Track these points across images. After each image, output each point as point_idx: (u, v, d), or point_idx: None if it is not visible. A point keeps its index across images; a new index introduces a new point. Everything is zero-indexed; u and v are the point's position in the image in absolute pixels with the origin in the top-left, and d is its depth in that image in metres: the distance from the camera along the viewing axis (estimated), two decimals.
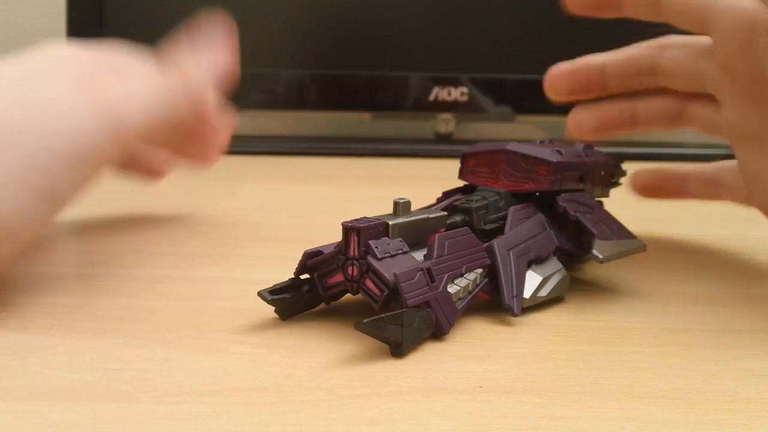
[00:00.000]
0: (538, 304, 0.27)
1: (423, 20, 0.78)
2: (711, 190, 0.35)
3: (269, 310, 0.26)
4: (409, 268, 0.23)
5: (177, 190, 0.55)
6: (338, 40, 0.80)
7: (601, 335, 0.25)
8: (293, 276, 0.26)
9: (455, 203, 0.29)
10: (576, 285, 0.30)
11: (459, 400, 0.20)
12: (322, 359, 0.22)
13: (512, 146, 0.30)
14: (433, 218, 0.26)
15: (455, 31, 0.78)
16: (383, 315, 0.22)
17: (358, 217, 0.25)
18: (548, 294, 0.27)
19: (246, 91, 0.79)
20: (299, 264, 0.25)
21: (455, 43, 0.78)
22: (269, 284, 0.25)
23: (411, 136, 0.85)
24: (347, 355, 0.23)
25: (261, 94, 0.80)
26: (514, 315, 0.26)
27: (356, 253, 0.24)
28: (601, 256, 0.28)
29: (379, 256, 0.23)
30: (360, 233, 0.24)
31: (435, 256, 0.25)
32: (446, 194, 0.32)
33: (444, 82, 0.77)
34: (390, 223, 0.25)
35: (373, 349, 0.23)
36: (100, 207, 0.47)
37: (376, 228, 0.24)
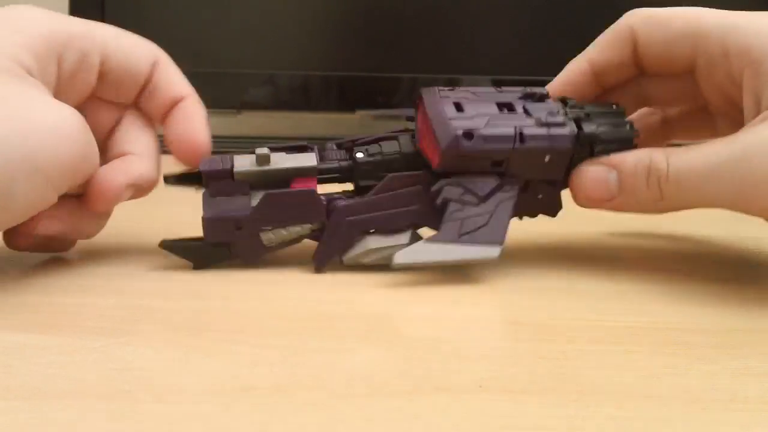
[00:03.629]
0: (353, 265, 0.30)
1: (423, 21, 0.79)
2: (695, 135, 0.35)
3: (270, 310, 0.26)
4: (219, 214, 0.29)
5: (177, 189, 0.55)
6: (339, 41, 0.80)
7: (599, 335, 0.25)
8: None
9: (356, 148, 0.31)
10: (575, 284, 0.30)
11: (459, 399, 0.20)
12: (322, 359, 0.22)
13: (434, 105, 0.29)
14: (294, 168, 0.30)
15: (455, 32, 0.78)
16: (187, 241, 0.30)
17: (223, 156, 0.30)
18: (372, 261, 0.30)
19: (247, 91, 0.79)
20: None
21: (455, 44, 0.78)
22: (268, 284, 0.26)
23: None
24: (348, 355, 0.23)
25: (262, 95, 0.80)
26: (317, 271, 0.30)
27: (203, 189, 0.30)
28: (395, 261, 0.28)
29: (212, 194, 0.29)
30: (205, 174, 0.30)
31: (253, 210, 0.29)
32: (403, 129, 0.32)
33: (444, 83, 0.77)
34: (236, 170, 0.29)
35: (373, 349, 0.23)
36: None
37: (220, 172, 0.30)
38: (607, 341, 0.24)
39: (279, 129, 0.89)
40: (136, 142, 0.33)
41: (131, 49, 0.32)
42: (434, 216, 0.29)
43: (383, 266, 0.30)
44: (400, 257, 0.27)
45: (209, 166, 0.30)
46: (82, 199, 0.31)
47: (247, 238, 0.29)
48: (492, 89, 0.31)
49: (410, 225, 0.29)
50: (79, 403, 0.19)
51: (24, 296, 0.28)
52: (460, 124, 0.28)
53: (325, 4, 0.80)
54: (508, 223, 0.29)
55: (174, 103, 0.33)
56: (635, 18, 0.32)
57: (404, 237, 0.29)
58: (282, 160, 0.30)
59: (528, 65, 0.78)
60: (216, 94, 0.79)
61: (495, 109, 0.29)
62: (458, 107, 0.29)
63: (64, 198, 0.30)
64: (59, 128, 0.27)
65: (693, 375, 0.22)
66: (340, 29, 0.80)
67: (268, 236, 0.30)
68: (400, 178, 0.29)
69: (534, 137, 0.28)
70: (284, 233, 0.30)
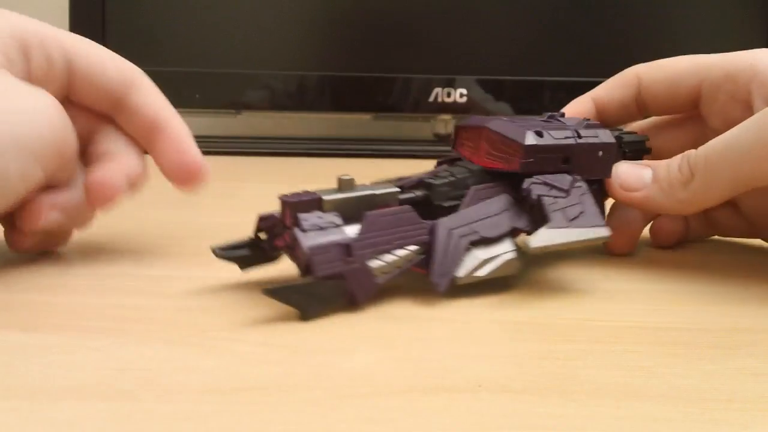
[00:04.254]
0: (475, 283, 0.28)
1: (423, 22, 0.79)
2: (709, 230, 0.37)
3: (270, 309, 0.26)
4: (325, 241, 0.25)
5: (169, 191, 0.55)
6: (339, 42, 0.80)
7: (599, 334, 0.25)
8: (253, 235, 0.29)
9: (422, 178, 0.30)
10: (573, 284, 0.30)
11: (458, 398, 0.20)
12: (322, 358, 0.22)
13: (494, 124, 0.30)
14: (380, 194, 0.28)
15: (455, 32, 0.78)
16: (289, 284, 0.25)
17: (300, 191, 0.27)
18: (489, 274, 0.28)
19: (247, 92, 0.79)
20: (255, 225, 0.28)
21: (455, 44, 0.78)
22: (268, 284, 0.25)
23: (411, 137, 0.85)
24: (348, 354, 0.23)
25: (262, 95, 0.80)
26: (440, 292, 0.27)
27: (288, 223, 0.26)
28: (531, 245, 0.28)
29: (305, 228, 0.25)
30: (291, 206, 0.26)
31: (360, 233, 0.26)
32: (439, 163, 0.33)
33: (444, 84, 0.77)
34: (324, 198, 0.27)
35: (373, 348, 0.23)
36: None
37: (309, 203, 0.26)
38: (607, 341, 0.25)
39: (278, 129, 0.90)
40: (119, 142, 0.33)
41: (100, 63, 0.33)
42: (528, 216, 0.29)
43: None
44: (535, 242, 0.28)
45: (293, 198, 0.27)
46: (66, 189, 0.31)
47: (359, 267, 0.26)
48: (518, 117, 0.33)
49: (509, 230, 0.29)
50: (79, 403, 0.19)
51: (24, 296, 0.28)
52: (528, 127, 0.30)
53: (325, 5, 0.80)
54: (598, 209, 0.30)
55: (154, 127, 0.33)
56: (639, 66, 0.36)
57: (508, 243, 0.29)
58: (363, 189, 0.28)
59: (528, 65, 0.78)
60: (216, 95, 0.79)
61: (543, 123, 0.32)
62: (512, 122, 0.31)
63: (57, 189, 0.31)
64: (39, 109, 0.29)
65: (693, 375, 0.22)
66: (340, 30, 0.80)
67: (378, 264, 0.26)
68: (483, 189, 0.29)
69: (587, 135, 0.31)
70: (393, 259, 0.27)
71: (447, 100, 0.77)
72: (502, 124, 0.30)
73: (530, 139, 0.29)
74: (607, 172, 0.32)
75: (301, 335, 0.24)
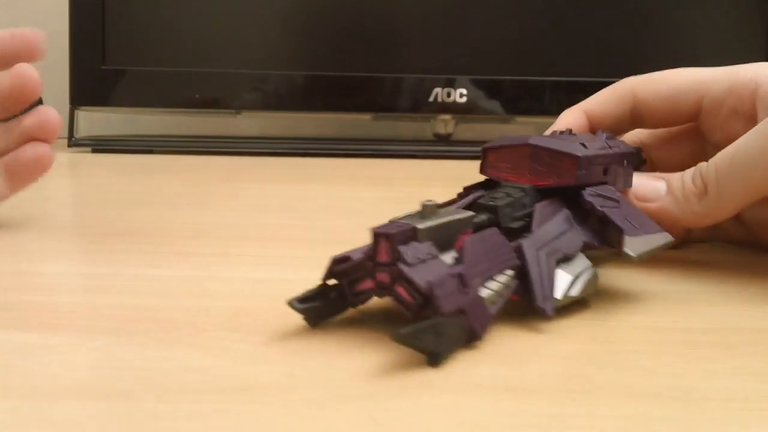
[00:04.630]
0: (568, 304, 0.26)
1: (422, 22, 0.79)
2: (712, 234, 0.37)
3: (270, 309, 0.26)
4: (442, 274, 0.22)
5: (178, 190, 0.55)
6: (339, 42, 0.80)
7: (598, 334, 0.25)
8: (321, 282, 0.25)
9: (480, 201, 0.28)
10: None
11: (458, 398, 0.20)
12: (323, 358, 0.22)
13: (535, 140, 0.30)
14: (460, 219, 0.26)
15: (455, 32, 0.78)
16: (420, 325, 0.21)
17: (386, 222, 0.24)
18: (580, 293, 0.26)
19: (247, 92, 0.79)
20: (327, 270, 0.25)
21: (455, 44, 0.78)
22: (269, 284, 0.25)
23: (410, 137, 0.85)
24: (348, 354, 0.23)
25: (262, 95, 0.80)
26: (547, 317, 0.25)
27: (386, 259, 0.23)
28: (634, 255, 0.27)
29: (410, 262, 0.22)
30: (390, 239, 0.23)
31: (465, 261, 0.24)
32: (467, 189, 0.32)
33: (443, 84, 0.77)
34: (418, 227, 0.24)
35: (373, 348, 0.23)
36: (101, 207, 0.47)
37: (405, 233, 0.23)
38: (606, 341, 0.25)
39: (278, 129, 0.90)
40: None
41: None
42: (589, 229, 0.29)
43: None
44: (636, 251, 0.27)
45: (390, 229, 0.23)
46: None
47: (475, 298, 0.23)
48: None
49: (582, 245, 0.28)
50: (79, 403, 0.19)
51: (24, 296, 0.28)
52: (567, 140, 0.30)
53: (325, 5, 0.80)
54: (645, 215, 0.30)
55: None
56: (633, 79, 0.36)
57: (584, 259, 0.28)
58: (443, 214, 0.26)
59: (528, 65, 0.78)
60: (216, 95, 0.79)
61: (570, 137, 0.31)
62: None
63: None
64: None
65: (693, 375, 0.22)
66: (340, 30, 0.80)
67: (486, 293, 0.24)
68: (545, 206, 0.28)
69: (612, 146, 0.31)
70: (497, 286, 0.24)
71: (447, 100, 0.77)
72: (545, 139, 0.30)
73: (582, 150, 0.29)
74: (630, 181, 0.32)
75: (301, 335, 0.24)
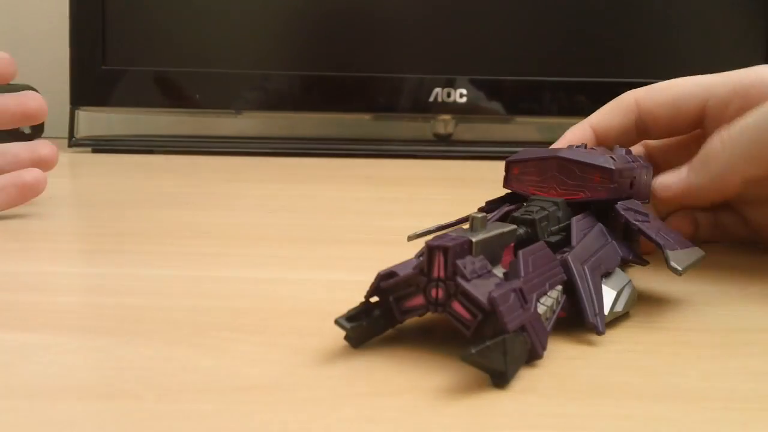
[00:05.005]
0: (613, 319, 0.26)
1: (423, 22, 0.79)
2: (717, 235, 0.37)
3: (269, 310, 0.26)
4: (503, 289, 0.21)
5: (179, 190, 0.55)
6: (339, 42, 0.80)
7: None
8: (365, 299, 0.23)
9: (515, 215, 0.27)
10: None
11: (459, 398, 0.20)
12: (322, 358, 0.22)
13: (564, 153, 0.29)
14: (507, 233, 0.25)
15: (455, 32, 0.78)
16: (488, 343, 0.20)
17: (438, 234, 0.23)
18: (624, 308, 0.26)
19: (247, 92, 0.79)
20: (371, 286, 0.23)
21: (455, 44, 0.78)
22: (269, 284, 0.25)
23: (410, 137, 0.85)
24: (348, 354, 0.23)
25: (262, 95, 0.80)
26: (599, 334, 0.24)
27: (442, 274, 0.22)
28: (680, 268, 0.26)
29: (468, 277, 0.21)
30: (446, 252, 0.22)
31: (522, 275, 0.23)
32: (490, 203, 0.31)
33: (443, 84, 0.77)
34: (473, 240, 0.23)
35: (373, 348, 0.23)
36: (101, 207, 0.47)
37: (461, 246, 0.22)
38: (606, 341, 0.25)
39: (278, 129, 0.90)
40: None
41: None
42: (625, 245, 0.28)
43: None
44: (680, 264, 0.27)
45: (446, 242, 0.22)
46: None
47: (535, 314, 0.22)
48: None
49: (619, 260, 0.27)
50: (79, 403, 0.19)
51: (24, 296, 0.28)
52: (595, 154, 0.30)
53: (325, 5, 0.80)
54: (671, 229, 0.30)
55: None
56: (636, 91, 0.36)
57: (623, 274, 0.27)
58: (491, 228, 0.25)
59: (528, 65, 0.78)
60: (216, 95, 0.79)
61: (595, 150, 0.31)
62: None
63: None
64: None
65: (693, 375, 0.22)
66: (340, 30, 0.80)
67: (543, 309, 0.23)
68: (582, 219, 0.28)
69: (633, 160, 0.31)
70: (550, 301, 0.24)
71: (447, 100, 0.77)
72: (573, 152, 0.30)
73: (613, 163, 0.29)
74: (648, 195, 0.33)
75: (301, 335, 0.24)
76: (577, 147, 0.32)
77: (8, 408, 0.19)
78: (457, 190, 0.57)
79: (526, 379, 0.21)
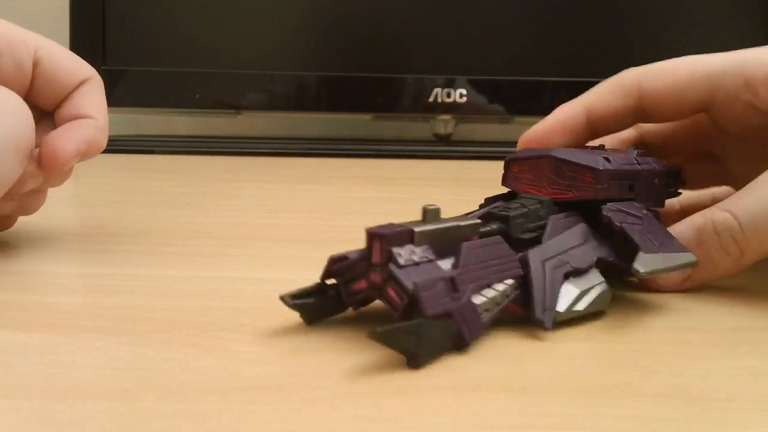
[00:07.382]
0: (575, 318, 0.26)
1: (422, 22, 0.79)
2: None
3: (269, 310, 0.26)
4: (430, 276, 0.22)
5: (179, 190, 0.55)
6: (339, 42, 0.80)
7: (598, 333, 0.25)
8: (319, 281, 0.25)
9: (492, 211, 0.28)
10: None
11: (458, 398, 0.20)
12: (322, 357, 0.23)
13: (558, 152, 0.29)
14: (464, 226, 0.25)
15: (454, 33, 0.78)
16: (399, 324, 0.21)
17: (384, 223, 0.24)
18: (586, 308, 0.26)
19: (247, 92, 0.79)
20: (324, 269, 0.25)
21: (455, 44, 0.78)
22: (269, 284, 0.25)
23: (410, 137, 0.85)
24: (348, 354, 0.23)
25: (262, 95, 0.80)
26: (545, 329, 0.25)
27: (379, 260, 0.23)
28: (642, 270, 0.26)
29: (402, 264, 0.23)
30: (383, 239, 0.23)
31: (460, 266, 0.24)
32: (488, 200, 0.31)
33: (443, 84, 0.77)
34: (416, 230, 0.24)
35: (373, 348, 0.23)
36: (101, 207, 0.47)
37: (401, 235, 0.23)
38: (607, 340, 0.25)
39: (278, 129, 0.90)
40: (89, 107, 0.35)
41: (60, 66, 0.34)
42: (608, 245, 0.28)
43: None
44: (644, 267, 0.26)
45: (384, 231, 0.23)
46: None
47: (466, 304, 0.23)
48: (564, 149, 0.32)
49: (595, 261, 0.27)
50: (79, 403, 0.19)
51: (24, 296, 0.28)
52: (592, 154, 0.30)
53: (325, 5, 0.80)
54: (671, 234, 0.29)
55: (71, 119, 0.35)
56: (637, 70, 0.33)
57: (597, 274, 0.27)
58: (446, 220, 0.26)
59: (528, 65, 0.78)
60: (216, 95, 0.79)
61: (598, 152, 0.31)
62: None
63: None
64: (20, 110, 0.30)
65: (693, 375, 0.22)
66: (340, 30, 0.80)
67: (480, 300, 0.24)
68: (561, 219, 0.28)
69: (643, 162, 0.31)
70: (493, 294, 0.24)
71: (447, 100, 0.77)
72: (568, 152, 0.30)
73: (603, 164, 0.29)
74: (661, 201, 0.32)
75: (301, 335, 0.24)
76: (594, 148, 0.32)
77: (8, 408, 0.19)
78: (457, 190, 0.57)
79: (525, 379, 0.21)
